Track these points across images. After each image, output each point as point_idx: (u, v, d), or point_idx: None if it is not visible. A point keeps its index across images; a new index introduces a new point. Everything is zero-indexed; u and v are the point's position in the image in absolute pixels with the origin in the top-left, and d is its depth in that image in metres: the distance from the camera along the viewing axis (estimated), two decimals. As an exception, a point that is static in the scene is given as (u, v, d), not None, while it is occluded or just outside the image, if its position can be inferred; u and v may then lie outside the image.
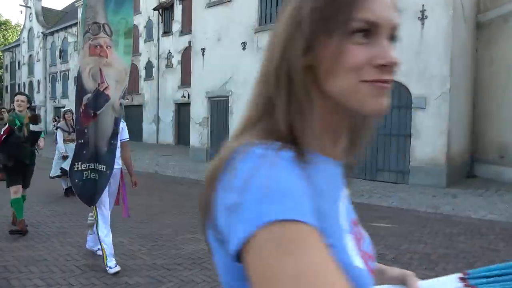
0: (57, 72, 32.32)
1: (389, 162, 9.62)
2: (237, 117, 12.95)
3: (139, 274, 3.63)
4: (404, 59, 9.25)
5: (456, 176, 9.36)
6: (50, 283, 3.39)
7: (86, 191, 3.45)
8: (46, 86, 33.63)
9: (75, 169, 3.41)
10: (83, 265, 3.81)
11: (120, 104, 3.40)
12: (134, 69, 24.47)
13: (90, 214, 3.78)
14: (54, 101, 32.28)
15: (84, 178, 3.42)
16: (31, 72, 35.76)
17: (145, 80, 23.62)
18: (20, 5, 34.62)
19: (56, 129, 8.15)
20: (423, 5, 8.92)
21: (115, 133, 3.42)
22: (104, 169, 3.42)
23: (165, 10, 21.52)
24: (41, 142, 5.23)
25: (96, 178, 3.45)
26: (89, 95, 3.24)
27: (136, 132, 24.88)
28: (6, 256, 4.02)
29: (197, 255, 4.14)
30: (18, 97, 4.97)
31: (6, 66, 41.74)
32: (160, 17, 21.99)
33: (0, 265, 3.77)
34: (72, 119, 7.16)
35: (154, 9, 21.96)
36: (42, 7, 34.98)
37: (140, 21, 23.70)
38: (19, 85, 37.69)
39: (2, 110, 4.07)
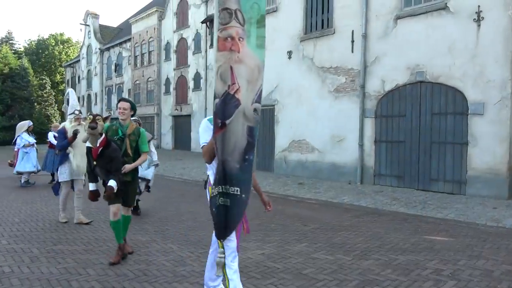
0: (112, 85, 34.26)
1: (443, 171, 9.13)
2: (283, 126, 12.97)
3: (188, 280, 3.70)
4: (458, 63, 8.81)
5: (519, 187, 8.68)
6: (106, 286, 3.56)
7: (218, 221, 2.73)
8: (102, 98, 35.72)
9: (212, 194, 2.76)
10: (136, 270, 3.96)
11: (255, 110, 2.62)
12: (183, 80, 25.38)
13: (220, 250, 2.82)
14: (110, 112, 34.16)
15: (217, 204, 2.71)
16: (89, 85, 38.20)
17: (194, 91, 24.35)
18: (80, 23, 37.23)
19: None
20: (478, 6, 8.46)
21: (250, 146, 2.63)
22: (238, 192, 2.64)
23: (213, 22, 22.15)
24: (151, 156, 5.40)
25: (228, 204, 2.68)
26: (216, 100, 2.63)
27: (185, 141, 25.66)
28: (67, 259, 4.28)
29: (244, 264, 4.16)
30: (122, 104, 4.34)
31: (68, 80, 44.93)
32: (207, 29, 22.66)
33: (62, 267, 4.02)
34: None
35: (202, 22, 22.67)
36: (100, 25, 37.38)
37: (188, 34, 24.58)
38: (79, 98, 40.35)
39: (97, 118, 3.81)
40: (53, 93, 48.29)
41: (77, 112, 5.96)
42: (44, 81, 46.70)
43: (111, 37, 36.78)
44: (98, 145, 3.92)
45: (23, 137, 10.42)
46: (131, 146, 4.31)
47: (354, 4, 10.88)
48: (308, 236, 5.34)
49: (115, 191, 4.01)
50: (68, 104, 6.29)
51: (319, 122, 11.63)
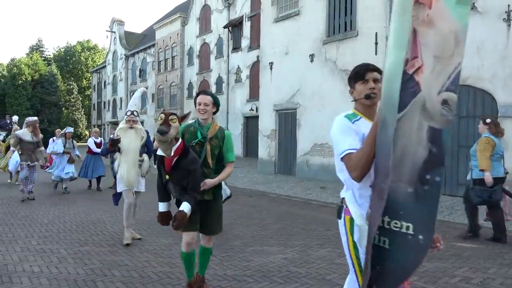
0: (137, 90, 35.01)
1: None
2: (305, 129, 12.89)
3: (211, 283, 3.71)
4: (487, 64, 8.54)
5: (554, 193, 8.31)
6: (130, 287, 3.61)
7: (371, 271, 1.74)
8: (127, 103, 36.51)
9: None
10: (160, 272, 4.00)
11: (445, 103, 1.60)
12: (205, 84, 25.64)
13: None
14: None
15: (375, 243, 1.76)
16: (115, 90, 39.14)
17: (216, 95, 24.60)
18: (106, 30, 38.28)
19: None
20: (508, 5, 8.19)
21: (434, 159, 1.59)
22: (410, 231, 1.64)
23: (235, 27, 22.33)
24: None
25: (386, 245, 1.72)
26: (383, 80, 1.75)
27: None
28: (93, 260, 4.37)
29: (266, 268, 4.14)
30: (201, 98, 3.21)
31: (94, 86, 46.20)
32: (229, 34, 22.85)
33: (88, 267, 4.11)
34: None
35: (224, 27, 22.89)
36: (125, 31, 38.31)
37: (211, 39, 24.84)
38: (104, 103, 41.41)
39: (171, 118, 2.86)
40: (80, 98, 49.78)
41: (129, 113, 5.00)
42: (71, 86, 48.23)
43: (136, 43, 37.61)
44: (172, 154, 2.92)
45: (57, 143, 9.96)
46: (213, 153, 3.23)
47: (377, 6, 10.73)
48: (331, 241, 5.27)
49: (187, 217, 2.92)
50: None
51: (341, 125, 11.49)
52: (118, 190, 5.22)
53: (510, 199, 5.51)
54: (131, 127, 4.96)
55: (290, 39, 13.49)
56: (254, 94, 20.06)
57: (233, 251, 4.78)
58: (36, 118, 8.71)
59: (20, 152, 8.27)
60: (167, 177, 3.02)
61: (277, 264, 4.29)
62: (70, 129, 10.29)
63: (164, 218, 3.14)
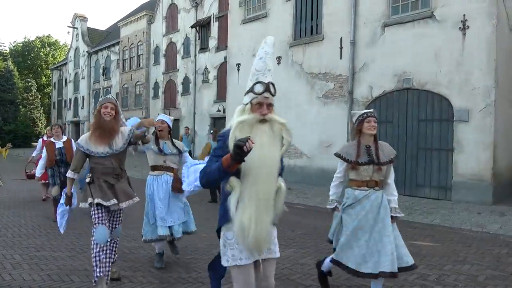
0: (100, 88, 33.90)
1: (430, 177, 9.25)
2: (271, 131, 12.99)
3: (174, 287, 3.66)
4: (444, 70, 8.96)
5: (503, 193, 8.84)
6: (90, 293, 3.49)
7: None
8: (89, 102, 35.32)
9: None
10: (122, 277, 3.89)
11: None
12: (172, 84, 25.26)
13: None
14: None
15: None
16: (76, 89, 37.73)
17: (182, 95, 24.26)
18: (68, 26, 36.85)
19: None
20: (464, 15, 8.64)
21: None
22: None
23: (202, 27, 22.15)
24: None
25: None
26: None
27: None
28: (50, 265, 4.18)
29: (231, 270, 4.13)
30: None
31: (54, 83, 44.34)
32: (197, 34, 22.64)
33: (45, 273, 3.93)
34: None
35: (192, 27, 22.66)
36: (88, 28, 37.03)
37: (178, 38, 24.52)
38: (65, 101, 39.84)
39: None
40: (39, 96, 47.62)
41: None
42: (29, 83, 46.02)
43: (99, 40, 36.44)
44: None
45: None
46: None
47: (342, 11, 11.00)
48: (296, 242, 5.33)
49: None
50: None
51: (307, 127, 11.68)
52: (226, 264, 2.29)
53: None
54: (264, 120, 2.17)
55: (258, 41, 13.54)
56: (221, 95, 19.97)
57: (198, 253, 4.73)
58: None
59: None
60: None
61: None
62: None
63: None
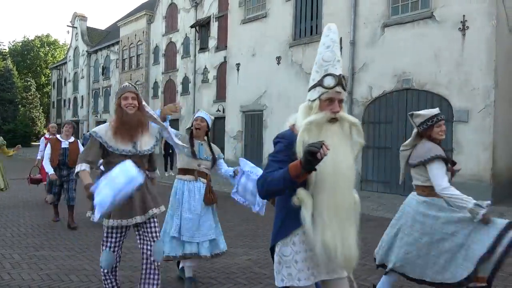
0: (99, 88, 33.89)
1: (429, 177, 9.25)
2: (271, 131, 12.98)
3: (174, 286, 3.65)
4: (444, 71, 8.96)
5: (502, 194, 8.85)
6: (89, 292, 3.48)
7: None
8: (89, 102, 35.30)
9: None
10: (121, 276, 3.88)
11: None
12: (171, 84, 25.25)
13: None
14: (96, 116, 33.74)
15: None
16: (75, 88, 37.70)
17: (182, 95, 24.25)
18: (67, 25, 36.82)
19: None
20: (464, 15, 8.64)
21: None
22: None
23: (202, 27, 22.14)
24: None
25: None
26: None
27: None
28: (49, 265, 4.18)
29: (230, 270, 4.13)
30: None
31: (54, 83, 44.29)
32: (197, 34, 22.63)
33: (44, 273, 3.92)
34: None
35: (191, 27, 22.65)
36: (87, 27, 37.00)
37: (177, 38, 24.52)
38: (64, 101, 39.82)
39: None
40: (38, 95, 47.58)
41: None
42: (29, 83, 45.98)
43: (99, 39, 36.42)
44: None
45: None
46: None
47: (342, 12, 11.00)
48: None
49: None
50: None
51: (307, 127, 11.67)
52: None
53: None
54: (334, 119, 1.89)
55: (257, 41, 13.56)
56: (221, 95, 19.97)
57: (197, 253, 4.72)
58: None
59: None
60: None
61: (242, 265, 4.29)
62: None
63: None
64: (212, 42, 21.59)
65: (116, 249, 2.89)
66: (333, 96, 1.83)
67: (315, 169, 1.64)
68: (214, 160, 3.72)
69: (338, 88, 1.83)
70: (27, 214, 6.88)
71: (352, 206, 1.83)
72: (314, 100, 1.87)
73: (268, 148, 13.07)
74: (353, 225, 1.84)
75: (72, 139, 6.15)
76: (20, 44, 54.05)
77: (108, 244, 2.86)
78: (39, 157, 7.95)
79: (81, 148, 6.09)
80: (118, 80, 30.84)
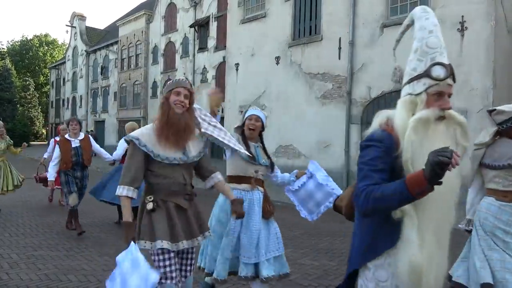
0: (98, 87, 33.85)
1: (427, 178, 9.26)
2: (270, 131, 12.99)
3: None
4: (443, 71, 8.98)
5: (501, 194, 8.86)
6: (87, 292, 3.48)
7: None
8: (87, 101, 35.26)
9: None
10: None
11: None
12: (170, 84, 25.27)
13: None
14: (95, 115, 33.71)
15: None
16: (74, 88, 37.66)
17: (181, 95, 24.28)
18: (66, 25, 36.77)
19: None
20: (462, 16, 8.66)
21: None
22: None
23: (201, 27, 22.14)
24: None
25: None
26: None
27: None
28: (47, 265, 4.17)
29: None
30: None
31: (52, 82, 44.23)
32: (196, 33, 22.63)
33: (42, 273, 3.92)
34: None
35: (190, 26, 22.64)
36: (86, 27, 36.97)
37: (177, 38, 24.52)
38: (63, 100, 39.77)
39: None
40: (37, 95, 47.52)
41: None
42: (27, 82, 45.91)
43: (98, 39, 36.38)
44: None
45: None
46: None
47: (341, 12, 11.01)
48: (294, 242, 5.33)
49: None
50: None
51: (305, 127, 11.69)
52: None
53: None
54: (442, 117, 1.60)
55: (256, 41, 13.56)
56: (219, 95, 20.00)
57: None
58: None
59: None
60: None
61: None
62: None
63: None
64: (211, 42, 21.58)
65: (179, 277, 2.34)
66: (444, 90, 1.57)
67: (440, 183, 1.32)
68: (272, 166, 3.18)
69: (450, 80, 1.59)
70: (26, 214, 6.87)
71: (452, 225, 1.55)
72: (420, 93, 1.56)
73: (268, 148, 13.03)
74: (447, 246, 1.55)
75: (81, 135, 5.59)
76: (19, 43, 53.96)
77: (169, 273, 2.23)
78: (45, 156, 7.78)
79: (94, 144, 5.70)
80: (117, 80, 30.82)
